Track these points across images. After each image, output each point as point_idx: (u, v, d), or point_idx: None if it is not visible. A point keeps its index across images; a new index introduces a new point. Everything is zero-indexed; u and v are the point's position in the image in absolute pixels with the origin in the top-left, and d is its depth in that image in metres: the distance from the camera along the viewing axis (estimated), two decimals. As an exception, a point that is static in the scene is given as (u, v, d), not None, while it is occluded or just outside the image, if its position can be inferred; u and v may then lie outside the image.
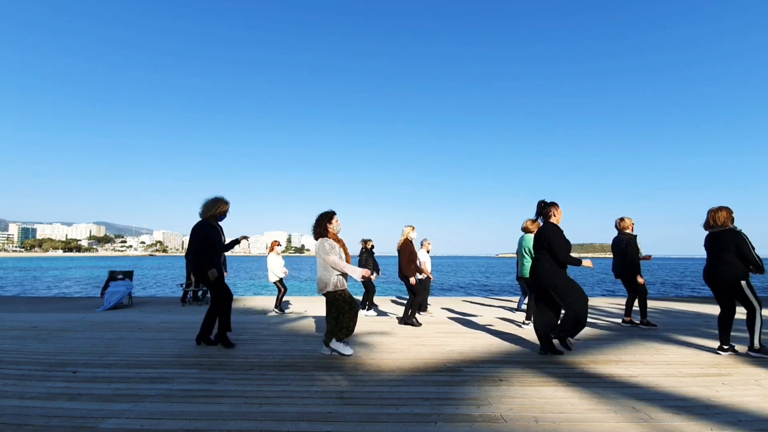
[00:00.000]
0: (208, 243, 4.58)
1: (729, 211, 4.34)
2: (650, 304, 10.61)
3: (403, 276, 6.51)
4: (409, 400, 2.91)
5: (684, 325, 6.37)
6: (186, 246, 4.91)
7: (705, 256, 4.53)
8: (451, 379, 3.43)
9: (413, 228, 6.75)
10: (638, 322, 6.21)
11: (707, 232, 4.51)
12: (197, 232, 4.62)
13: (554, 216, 4.43)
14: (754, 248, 4.18)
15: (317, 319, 6.91)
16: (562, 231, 4.36)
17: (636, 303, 6.33)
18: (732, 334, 4.45)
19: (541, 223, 4.54)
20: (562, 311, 4.33)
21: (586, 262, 4.36)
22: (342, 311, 4.21)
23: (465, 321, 6.82)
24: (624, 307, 6.77)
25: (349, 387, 3.21)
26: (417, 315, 7.19)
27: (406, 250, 6.51)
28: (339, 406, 2.80)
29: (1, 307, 9.70)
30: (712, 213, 4.41)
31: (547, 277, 4.26)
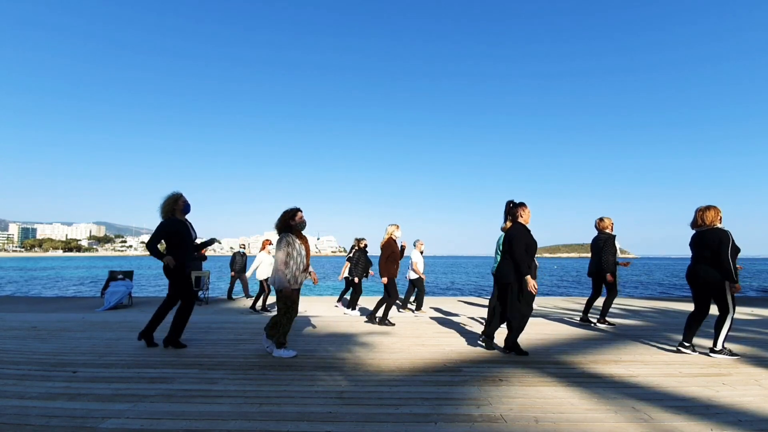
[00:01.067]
0: (177, 237, 4.42)
1: (717, 210, 4.31)
2: (650, 304, 10.62)
3: (383, 275, 6.46)
4: (409, 400, 2.91)
5: (683, 325, 6.36)
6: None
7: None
8: (451, 379, 3.43)
9: (398, 227, 6.64)
10: (596, 321, 6.28)
11: (694, 231, 4.49)
12: (167, 228, 4.43)
13: (521, 216, 4.46)
14: (739, 250, 4.16)
15: (317, 319, 6.90)
16: (528, 232, 4.40)
17: (601, 302, 6.37)
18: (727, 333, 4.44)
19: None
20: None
21: (529, 281, 4.15)
22: (281, 312, 4.17)
23: (464, 321, 6.82)
24: (594, 306, 6.67)
25: (349, 387, 3.21)
26: (402, 312, 7.16)
27: (387, 250, 6.42)
28: (339, 406, 2.80)
29: (1, 307, 9.70)
30: (700, 212, 4.38)
31: (511, 276, 4.29)
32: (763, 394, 3.11)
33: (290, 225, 4.28)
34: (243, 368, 3.72)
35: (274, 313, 4.56)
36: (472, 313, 8.59)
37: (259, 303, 8.95)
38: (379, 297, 6.52)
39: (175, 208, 4.51)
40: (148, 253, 4.64)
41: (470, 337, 5.26)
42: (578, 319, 6.72)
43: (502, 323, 4.57)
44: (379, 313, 6.35)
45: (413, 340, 5.10)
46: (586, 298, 6.66)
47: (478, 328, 5.96)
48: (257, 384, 3.27)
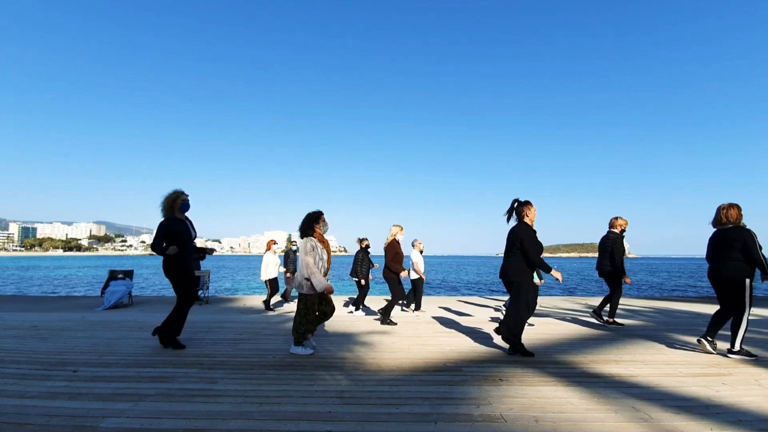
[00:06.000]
0: (176, 237, 4.41)
1: (739, 208, 4.27)
2: (650, 304, 10.61)
3: (387, 276, 6.51)
4: (409, 400, 2.91)
5: (684, 325, 6.37)
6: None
7: (704, 256, 4.49)
8: (451, 379, 3.43)
9: (401, 228, 6.73)
10: (606, 319, 6.28)
11: (714, 229, 4.42)
12: (163, 228, 4.42)
13: (527, 216, 4.40)
14: (761, 248, 4.12)
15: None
16: (534, 232, 4.34)
17: (607, 301, 6.37)
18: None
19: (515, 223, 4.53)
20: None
21: (555, 273, 4.24)
22: (300, 313, 4.23)
23: (464, 321, 6.82)
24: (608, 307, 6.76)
25: (349, 387, 3.21)
26: (395, 313, 7.20)
27: (392, 250, 6.52)
28: (339, 405, 2.80)
29: (1, 307, 9.70)
30: (724, 210, 4.31)
31: (514, 273, 4.27)
32: (763, 394, 3.10)
33: (314, 228, 4.33)
34: (243, 368, 3.72)
35: (290, 312, 4.59)
36: (474, 312, 8.60)
37: (272, 301, 9.00)
38: (384, 297, 6.56)
39: (174, 206, 4.51)
40: (148, 252, 4.65)
41: (471, 337, 5.26)
42: (589, 315, 6.66)
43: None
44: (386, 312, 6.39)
45: (413, 339, 5.10)
46: (586, 298, 6.68)
47: (479, 328, 5.96)
48: (257, 383, 3.27)
